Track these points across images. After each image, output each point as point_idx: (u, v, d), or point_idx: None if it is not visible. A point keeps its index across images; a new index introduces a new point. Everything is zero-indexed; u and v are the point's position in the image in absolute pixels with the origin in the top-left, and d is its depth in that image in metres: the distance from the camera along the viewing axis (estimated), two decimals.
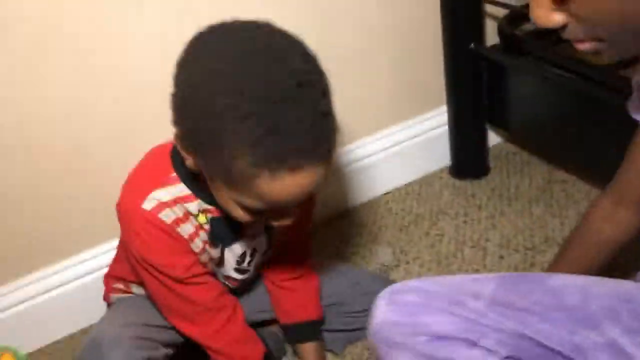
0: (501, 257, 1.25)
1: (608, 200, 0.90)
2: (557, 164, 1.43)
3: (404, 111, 1.44)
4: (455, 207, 1.39)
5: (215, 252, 0.96)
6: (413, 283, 0.86)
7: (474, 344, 0.82)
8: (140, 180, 0.88)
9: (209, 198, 0.87)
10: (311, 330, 1.07)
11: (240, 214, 0.82)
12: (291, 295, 1.06)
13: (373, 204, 1.43)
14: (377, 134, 1.42)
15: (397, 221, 1.38)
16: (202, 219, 0.90)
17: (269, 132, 0.71)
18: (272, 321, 1.12)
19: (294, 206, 0.81)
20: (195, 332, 0.96)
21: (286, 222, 0.84)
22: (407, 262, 1.27)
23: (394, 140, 1.44)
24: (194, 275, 0.92)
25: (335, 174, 1.38)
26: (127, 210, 0.87)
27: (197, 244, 0.92)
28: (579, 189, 1.37)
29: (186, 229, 0.89)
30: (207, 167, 0.80)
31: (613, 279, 0.88)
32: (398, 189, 1.46)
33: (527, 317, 0.81)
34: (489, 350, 0.82)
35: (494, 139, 1.52)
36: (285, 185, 0.74)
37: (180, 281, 0.91)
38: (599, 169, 1.23)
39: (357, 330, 1.09)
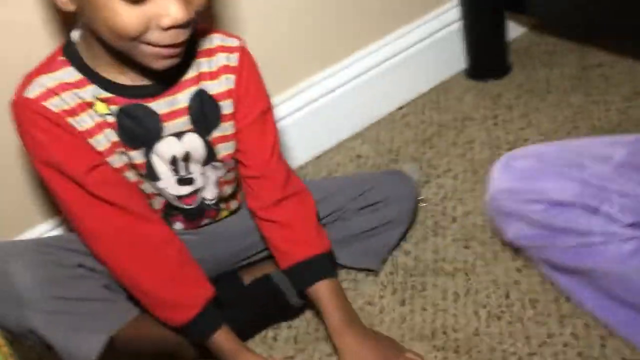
0: None
1: None
2: (590, 46, 1.26)
3: (408, 11, 1.25)
4: (482, 111, 1.22)
5: (137, 156, 0.81)
6: (531, 147, 0.82)
7: (594, 211, 0.74)
8: (29, 72, 0.78)
9: (106, 83, 0.78)
10: (317, 267, 0.86)
11: (122, 17, 0.69)
12: (282, 231, 0.87)
13: (387, 120, 1.26)
14: (381, 40, 1.23)
15: (419, 134, 1.21)
16: (101, 107, 0.78)
17: None
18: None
19: None
20: (114, 263, 0.81)
21: (174, 12, 0.69)
22: (438, 176, 1.11)
23: (401, 46, 1.25)
24: (105, 183, 0.79)
25: (337, 93, 1.20)
26: (13, 105, 0.77)
27: (100, 141, 0.79)
28: (619, 70, 1.21)
29: (82, 122, 0.78)
30: None
31: None
32: (413, 101, 1.28)
33: None
34: (611, 218, 0.73)
35: (512, 31, 1.34)
36: None
37: (86, 187, 0.78)
38: None
39: (373, 235, 0.95)
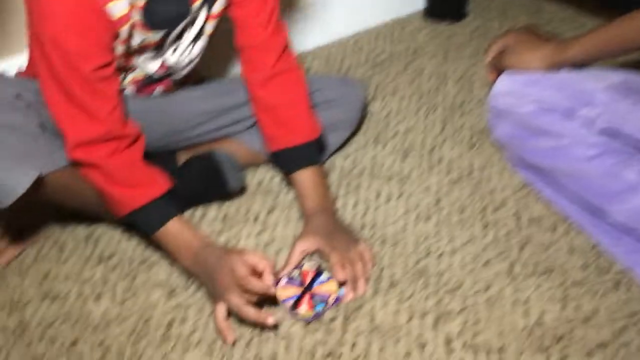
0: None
1: None
2: (544, 3, 1.31)
3: None
4: (433, 47, 1.24)
5: (154, 36, 0.79)
6: None
7: (572, 114, 0.81)
8: None
9: None
10: (299, 155, 0.85)
11: None
12: (269, 113, 0.85)
13: (339, 44, 1.26)
14: None
15: (370, 59, 1.22)
16: None
17: None
18: (225, 140, 0.94)
19: None
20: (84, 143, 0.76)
21: None
22: (385, 96, 1.12)
23: None
24: (101, 79, 0.74)
25: (297, 12, 1.19)
26: None
27: (123, 33, 0.76)
28: (567, 28, 1.25)
29: (117, 9, 0.74)
30: None
31: None
32: (367, 31, 1.29)
33: None
34: (586, 121, 0.80)
35: None
36: None
37: (85, 80, 0.73)
38: None
39: None
